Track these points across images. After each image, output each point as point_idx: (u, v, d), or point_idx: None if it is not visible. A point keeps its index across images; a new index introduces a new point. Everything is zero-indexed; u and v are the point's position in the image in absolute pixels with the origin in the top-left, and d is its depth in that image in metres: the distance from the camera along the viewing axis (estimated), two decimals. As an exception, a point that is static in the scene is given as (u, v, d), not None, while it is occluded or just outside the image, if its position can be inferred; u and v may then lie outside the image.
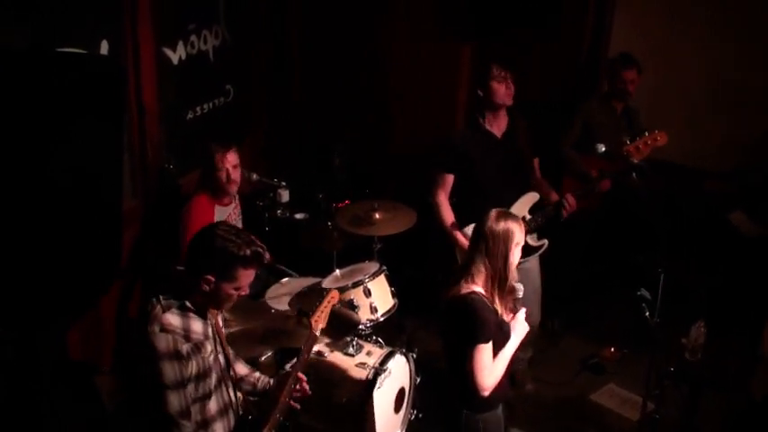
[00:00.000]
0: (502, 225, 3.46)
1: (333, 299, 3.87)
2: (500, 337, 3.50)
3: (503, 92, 4.72)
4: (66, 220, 3.23)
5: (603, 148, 4.91)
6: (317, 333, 3.71)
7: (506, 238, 3.45)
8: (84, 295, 3.71)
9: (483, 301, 3.44)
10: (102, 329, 4.85)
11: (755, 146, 5.83)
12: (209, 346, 3.14)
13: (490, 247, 3.45)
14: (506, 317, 3.59)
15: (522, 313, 3.64)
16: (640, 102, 5.80)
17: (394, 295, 4.86)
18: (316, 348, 4.42)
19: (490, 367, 3.43)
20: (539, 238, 5.03)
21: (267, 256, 5.13)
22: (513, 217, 3.55)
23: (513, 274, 3.53)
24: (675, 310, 4.41)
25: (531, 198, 4.96)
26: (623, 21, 6.11)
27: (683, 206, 5.75)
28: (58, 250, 3.24)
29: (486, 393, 3.44)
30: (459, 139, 4.92)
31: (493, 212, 3.53)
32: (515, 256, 3.52)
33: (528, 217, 4.90)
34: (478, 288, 3.47)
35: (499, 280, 3.48)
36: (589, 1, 6.09)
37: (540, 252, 5.05)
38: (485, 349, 3.40)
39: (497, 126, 4.86)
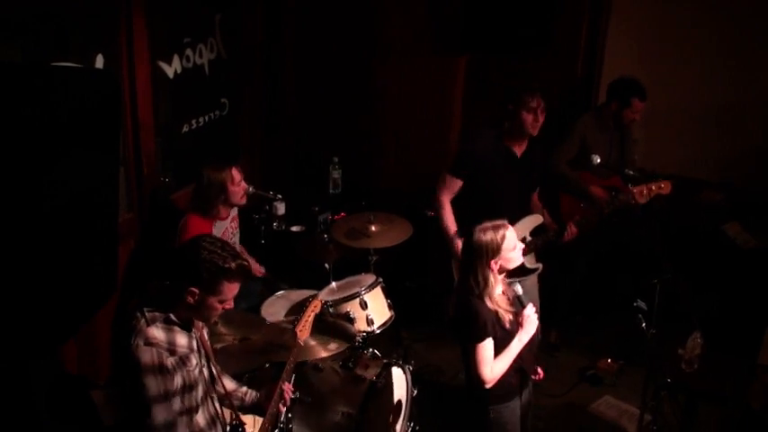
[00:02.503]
0: (483, 237, 3.63)
1: (315, 308, 3.92)
2: (502, 334, 3.68)
3: (530, 122, 4.74)
4: (61, 240, 3.19)
5: (599, 160, 4.92)
6: (302, 342, 3.77)
7: (488, 250, 3.61)
8: (79, 316, 3.68)
9: (479, 302, 3.64)
10: (98, 343, 4.84)
11: (750, 156, 5.85)
12: (194, 360, 3.13)
13: (475, 259, 3.64)
14: (510, 317, 3.72)
15: (530, 308, 3.77)
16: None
17: (390, 307, 4.86)
18: (312, 361, 4.41)
19: (491, 363, 3.65)
20: (536, 261, 5.03)
21: (262, 269, 5.18)
22: (498, 228, 3.65)
23: (492, 290, 3.67)
24: (672, 321, 4.41)
25: (534, 220, 4.97)
26: (618, 32, 6.13)
27: (678, 218, 5.76)
28: (53, 273, 3.20)
29: (488, 386, 3.67)
30: (480, 148, 4.91)
31: (480, 226, 3.68)
32: (512, 260, 3.68)
33: (528, 238, 4.91)
34: (476, 292, 3.64)
35: (488, 287, 3.64)
36: (583, 15, 6.12)
37: (536, 273, 5.05)
38: (483, 347, 3.62)
39: (519, 146, 4.88)
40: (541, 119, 4.75)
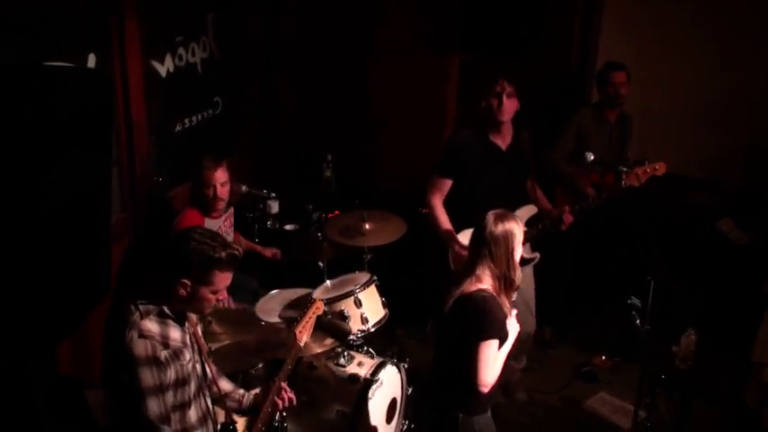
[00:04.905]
0: (501, 227, 3.51)
1: (317, 309, 3.89)
2: (504, 336, 3.56)
3: (495, 106, 4.69)
4: (54, 243, 3.18)
5: (592, 157, 4.91)
6: (301, 344, 3.73)
7: (507, 239, 3.51)
8: (76, 315, 3.68)
9: (495, 298, 3.50)
10: (91, 343, 4.83)
11: (749, 154, 5.87)
12: (187, 354, 3.13)
13: (493, 251, 3.51)
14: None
15: (512, 314, 3.67)
16: (628, 111, 5.80)
17: (385, 306, 4.85)
18: (307, 359, 4.41)
19: (493, 364, 3.49)
20: (532, 251, 5.03)
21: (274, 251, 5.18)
22: (510, 216, 3.59)
23: (519, 273, 3.58)
24: (666, 318, 4.42)
25: (528, 210, 4.95)
26: (614, 31, 6.16)
27: (670, 215, 5.77)
28: (46, 275, 3.19)
29: (486, 390, 3.50)
30: (462, 145, 4.88)
31: (490, 216, 3.57)
32: (518, 254, 3.58)
33: (524, 229, 4.90)
34: (485, 286, 3.51)
35: (506, 280, 3.54)
36: (576, 14, 6.14)
37: (533, 264, 5.05)
38: (492, 345, 3.46)
39: (502, 138, 4.84)
40: (509, 103, 4.69)
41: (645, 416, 4.60)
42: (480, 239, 3.55)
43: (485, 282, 3.52)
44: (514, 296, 3.67)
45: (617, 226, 5.77)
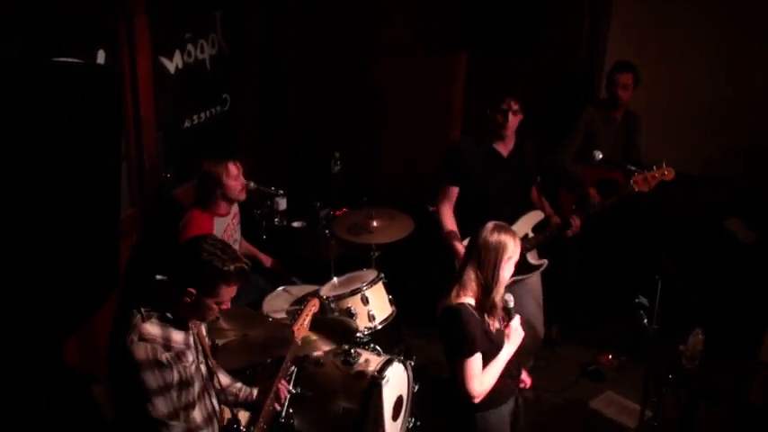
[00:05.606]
0: (495, 237, 3.51)
1: (314, 307, 3.93)
2: (490, 346, 3.56)
3: (499, 121, 4.73)
4: (61, 240, 3.19)
5: (601, 156, 4.91)
6: (299, 341, 3.76)
7: (498, 249, 3.50)
8: (80, 314, 3.68)
9: (470, 312, 3.50)
10: (99, 338, 4.84)
11: (751, 153, 5.85)
12: (190, 356, 3.14)
13: (482, 258, 3.51)
14: (497, 326, 3.62)
15: (516, 321, 3.68)
16: (636, 110, 5.79)
17: (392, 303, 4.86)
18: (314, 356, 4.42)
19: (479, 376, 3.51)
20: (539, 257, 5.03)
21: (270, 259, 5.18)
22: (509, 231, 3.59)
23: (501, 287, 3.56)
24: (673, 318, 4.41)
25: (535, 216, 4.96)
26: (618, 32, 6.15)
27: (678, 214, 5.75)
28: (51, 273, 3.19)
29: (477, 400, 3.53)
30: (465, 152, 4.91)
31: (489, 224, 3.58)
32: (507, 270, 3.56)
33: (531, 235, 4.91)
34: (468, 299, 3.53)
35: (487, 290, 3.53)
36: (584, 16, 6.14)
37: (540, 270, 5.05)
38: (471, 361, 3.48)
39: (504, 145, 4.87)
40: (513, 120, 4.73)
41: (651, 415, 4.60)
42: (473, 244, 3.58)
43: (469, 289, 3.53)
44: (511, 303, 3.66)
45: (623, 224, 5.76)
